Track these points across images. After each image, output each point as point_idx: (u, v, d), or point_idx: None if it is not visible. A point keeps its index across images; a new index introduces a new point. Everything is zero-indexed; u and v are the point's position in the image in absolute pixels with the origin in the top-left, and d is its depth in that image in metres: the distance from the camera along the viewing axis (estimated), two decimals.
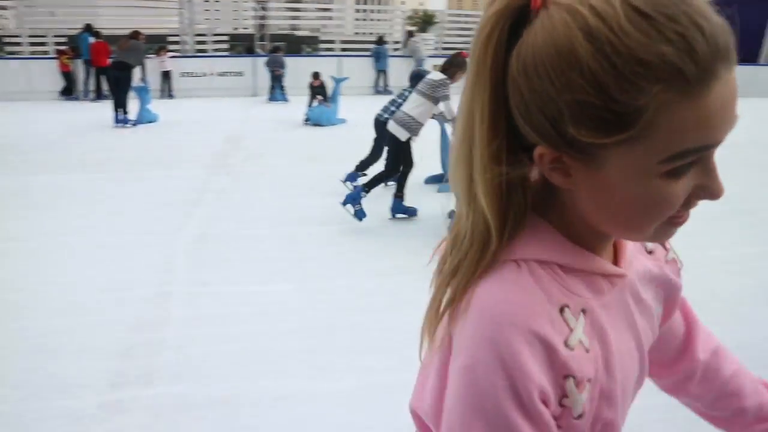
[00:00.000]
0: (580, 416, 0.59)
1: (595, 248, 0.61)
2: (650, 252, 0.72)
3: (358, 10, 20.71)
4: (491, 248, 0.56)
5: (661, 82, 0.45)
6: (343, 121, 9.28)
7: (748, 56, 16.34)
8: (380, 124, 4.99)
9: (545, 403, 0.55)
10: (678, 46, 0.45)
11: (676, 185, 0.51)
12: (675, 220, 0.55)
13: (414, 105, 4.50)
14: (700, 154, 0.50)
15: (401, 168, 4.64)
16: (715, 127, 0.48)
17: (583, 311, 0.59)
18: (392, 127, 4.55)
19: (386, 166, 4.70)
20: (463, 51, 4.92)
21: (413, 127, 4.48)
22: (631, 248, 0.68)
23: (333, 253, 4.09)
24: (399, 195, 4.69)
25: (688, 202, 0.53)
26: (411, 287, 3.57)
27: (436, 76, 4.53)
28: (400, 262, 3.87)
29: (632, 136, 0.48)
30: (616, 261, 0.66)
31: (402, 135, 4.49)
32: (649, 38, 0.44)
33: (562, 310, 0.58)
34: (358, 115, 9.81)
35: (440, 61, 5.02)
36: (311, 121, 9.08)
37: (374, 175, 4.67)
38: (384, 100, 5.57)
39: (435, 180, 5.64)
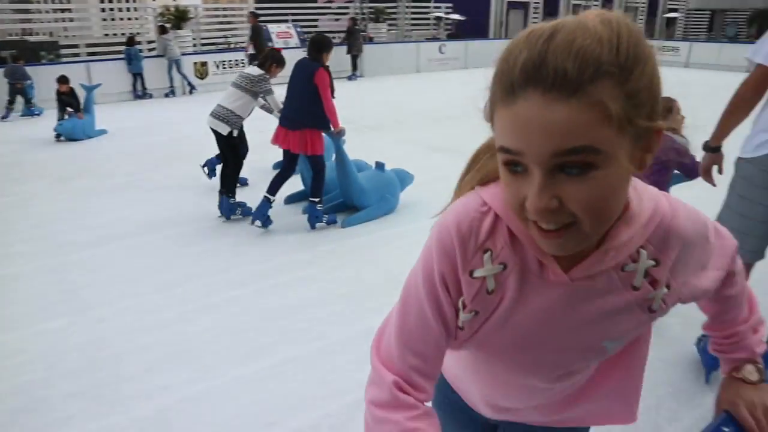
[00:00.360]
0: (461, 328, 0.79)
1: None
2: (635, 288, 0.75)
3: (103, 9, 18.76)
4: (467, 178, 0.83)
5: (495, 84, 0.63)
6: (103, 131, 8.45)
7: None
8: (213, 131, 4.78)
9: (447, 287, 0.77)
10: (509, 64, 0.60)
11: (512, 179, 0.63)
12: (537, 225, 0.64)
13: (232, 99, 4.54)
14: (513, 157, 0.61)
15: (240, 158, 4.78)
16: (518, 136, 0.60)
17: (505, 267, 0.75)
18: (211, 122, 4.57)
19: (226, 163, 4.77)
20: (276, 46, 4.87)
21: (233, 120, 4.54)
22: (596, 263, 0.72)
23: (106, 277, 3.79)
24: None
25: (525, 208, 0.63)
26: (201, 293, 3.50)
27: (255, 71, 4.56)
28: (187, 271, 3.74)
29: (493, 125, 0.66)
30: (574, 265, 0.72)
31: (223, 129, 4.53)
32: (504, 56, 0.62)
33: (484, 251, 0.74)
34: (120, 123, 9.02)
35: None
36: (64, 136, 8.06)
37: (227, 179, 4.72)
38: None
39: (295, 199, 5.21)
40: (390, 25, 19.85)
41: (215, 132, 4.59)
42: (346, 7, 18.53)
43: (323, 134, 4.39)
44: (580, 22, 0.59)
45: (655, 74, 0.61)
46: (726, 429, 0.85)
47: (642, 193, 0.74)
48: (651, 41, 0.61)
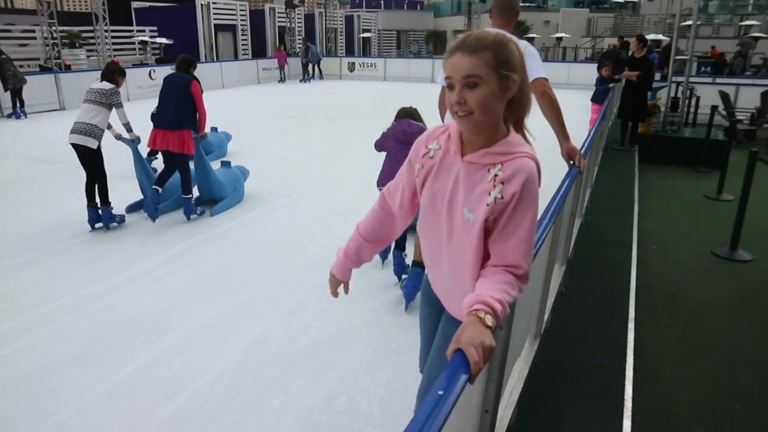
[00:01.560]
0: (417, 176, 1.56)
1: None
2: (488, 182, 1.40)
3: None
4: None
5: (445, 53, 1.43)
6: None
7: None
8: (74, 147, 5.03)
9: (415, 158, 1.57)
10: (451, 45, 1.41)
11: (449, 93, 1.38)
12: (457, 114, 1.36)
13: (92, 114, 4.95)
14: (449, 80, 1.36)
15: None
16: (452, 70, 1.37)
17: (439, 147, 1.51)
18: (78, 139, 4.92)
19: (97, 175, 5.07)
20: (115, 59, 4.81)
21: (98, 133, 4.97)
22: (479, 156, 1.41)
23: None
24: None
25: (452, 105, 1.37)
26: None
27: (106, 86, 5.05)
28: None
29: None
30: (466, 151, 1.45)
31: (92, 143, 4.93)
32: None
33: (434, 139, 1.54)
34: None
35: None
36: None
37: (103, 189, 5.12)
38: None
39: (136, 207, 5.73)
40: (89, 51, 18.32)
41: (81, 147, 4.93)
42: (32, 31, 16.49)
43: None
44: (485, 30, 1.44)
45: (511, 55, 1.36)
46: (457, 366, 1.11)
47: (520, 143, 1.43)
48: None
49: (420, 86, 20.05)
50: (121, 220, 5.34)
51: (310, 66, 21.35)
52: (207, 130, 5.93)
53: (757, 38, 23.60)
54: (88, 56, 19.47)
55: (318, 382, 2.90)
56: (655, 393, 2.96)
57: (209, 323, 3.52)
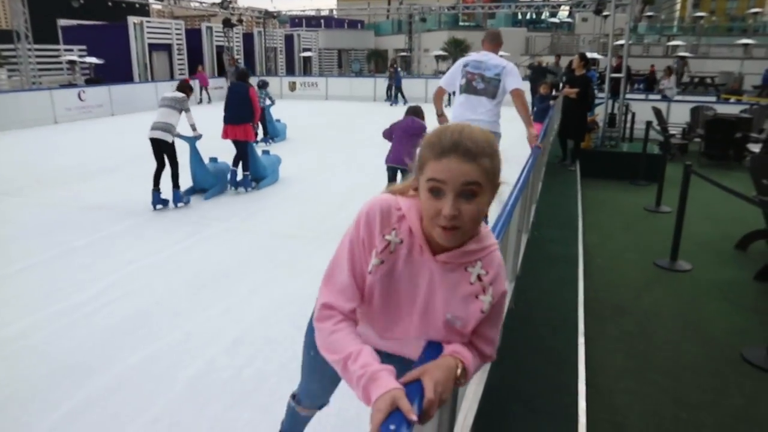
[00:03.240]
0: (370, 272, 1.33)
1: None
2: (472, 283, 1.32)
3: None
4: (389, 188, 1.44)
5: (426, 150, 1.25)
6: None
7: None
8: (152, 141, 6.43)
9: (364, 245, 1.34)
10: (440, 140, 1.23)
11: (434, 199, 1.21)
12: (440, 226, 1.21)
13: (168, 115, 6.45)
14: (439, 185, 1.20)
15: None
16: (444, 174, 1.20)
17: (402, 241, 1.32)
18: (158, 134, 6.36)
19: (171, 164, 6.52)
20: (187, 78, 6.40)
21: (172, 130, 6.44)
22: (454, 256, 1.29)
23: None
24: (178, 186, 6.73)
25: (438, 216, 1.20)
26: None
27: (179, 95, 6.64)
28: None
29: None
30: (438, 251, 1.30)
31: (168, 138, 6.39)
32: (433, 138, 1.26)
33: (392, 228, 1.33)
34: None
35: None
36: None
37: (175, 176, 6.60)
38: None
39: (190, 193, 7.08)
40: (11, 70, 17.52)
41: (159, 141, 6.36)
42: None
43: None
44: (471, 128, 1.25)
45: (500, 162, 1.26)
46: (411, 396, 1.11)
47: (488, 233, 1.37)
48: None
49: (362, 105, 20.23)
50: (188, 201, 6.88)
51: (393, 89, 20.54)
52: (259, 152, 7.94)
53: (683, 57, 25.19)
54: (10, 76, 18.61)
55: (265, 414, 2.80)
56: (608, 407, 3.02)
57: (147, 357, 3.35)
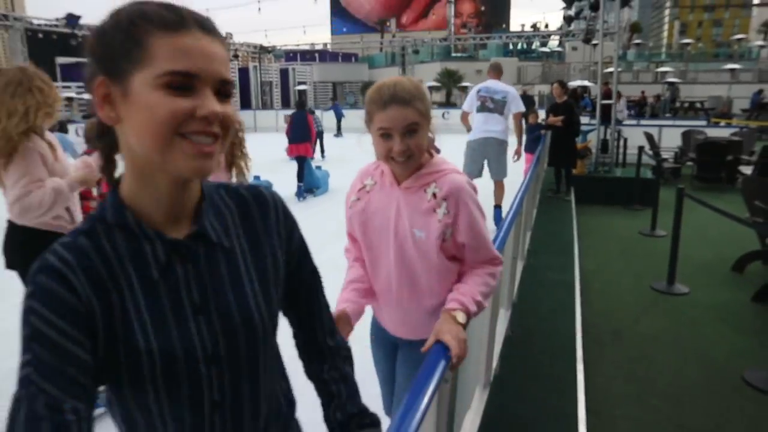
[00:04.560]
0: (350, 206, 1.75)
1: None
2: (429, 201, 1.63)
3: None
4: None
5: (370, 104, 1.59)
6: None
7: None
8: None
9: (352, 191, 1.79)
10: (380, 95, 1.57)
11: (384, 142, 1.58)
12: (395, 160, 1.59)
13: None
14: (386, 130, 1.55)
15: None
16: (388, 123, 1.54)
17: (375, 183, 1.74)
18: None
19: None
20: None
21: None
22: (413, 180, 1.64)
23: None
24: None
25: (391, 153, 1.59)
26: None
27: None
28: None
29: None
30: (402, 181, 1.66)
31: None
32: (374, 94, 1.60)
33: (370, 176, 1.76)
34: None
35: None
36: None
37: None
38: None
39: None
40: None
41: None
42: None
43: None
44: (402, 80, 1.56)
45: (429, 100, 1.59)
46: (438, 354, 1.33)
47: (443, 161, 1.66)
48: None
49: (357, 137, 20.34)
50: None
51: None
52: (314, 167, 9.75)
53: (673, 83, 25.61)
54: None
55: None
56: None
57: None
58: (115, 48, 0.75)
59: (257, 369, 0.90)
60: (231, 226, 0.90)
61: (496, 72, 6.75)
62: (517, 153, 7.04)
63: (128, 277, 0.79)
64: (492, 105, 6.32)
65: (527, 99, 14.39)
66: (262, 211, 0.94)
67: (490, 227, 2.43)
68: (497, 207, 6.57)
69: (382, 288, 1.73)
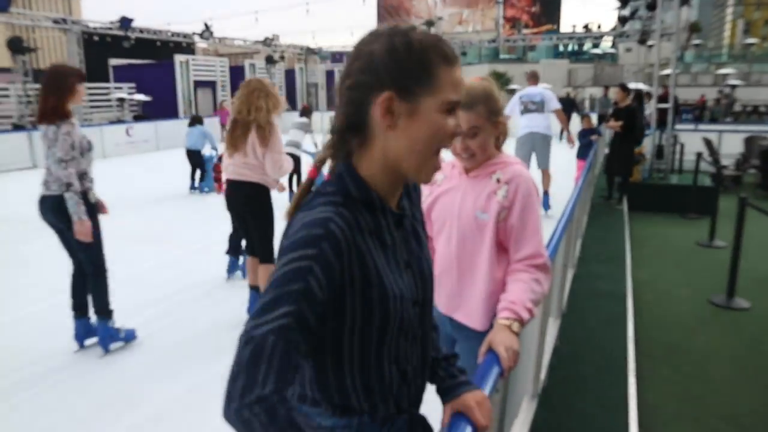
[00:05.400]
0: (423, 202, 1.53)
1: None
2: (494, 184, 1.79)
3: None
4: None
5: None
6: None
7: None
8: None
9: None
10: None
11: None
12: (460, 156, 1.82)
13: (295, 135, 8.30)
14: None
15: None
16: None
17: (444, 177, 1.93)
18: (288, 149, 7.19)
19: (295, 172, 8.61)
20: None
21: (299, 145, 8.37)
22: (481, 169, 1.80)
23: None
24: None
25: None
26: None
27: (305, 119, 8.62)
28: None
29: None
30: (470, 171, 1.83)
31: (296, 152, 8.16)
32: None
33: (442, 172, 1.88)
34: None
35: None
36: None
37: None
38: None
39: None
40: None
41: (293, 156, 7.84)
42: (6, 89, 16.60)
43: None
44: (468, 83, 1.66)
45: (498, 103, 1.78)
46: (491, 363, 1.37)
47: (510, 157, 1.82)
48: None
49: None
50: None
51: None
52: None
53: (734, 86, 24.62)
54: None
55: None
56: None
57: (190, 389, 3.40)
58: (409, 72, 0.94)
59: (432, 312, 1.17)
60: (407, 201, 1.13)
61: (534, 79, 8.09)
62: (570, 140, 8.45)
63: (373, 240, 1.00)
64: (533, 107, 7.54)
65: (568, 101, 14.24)
66: (415, 191, 1.17)
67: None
68: (545, 193, 7.71)
69: (443, 268, 1.84)
